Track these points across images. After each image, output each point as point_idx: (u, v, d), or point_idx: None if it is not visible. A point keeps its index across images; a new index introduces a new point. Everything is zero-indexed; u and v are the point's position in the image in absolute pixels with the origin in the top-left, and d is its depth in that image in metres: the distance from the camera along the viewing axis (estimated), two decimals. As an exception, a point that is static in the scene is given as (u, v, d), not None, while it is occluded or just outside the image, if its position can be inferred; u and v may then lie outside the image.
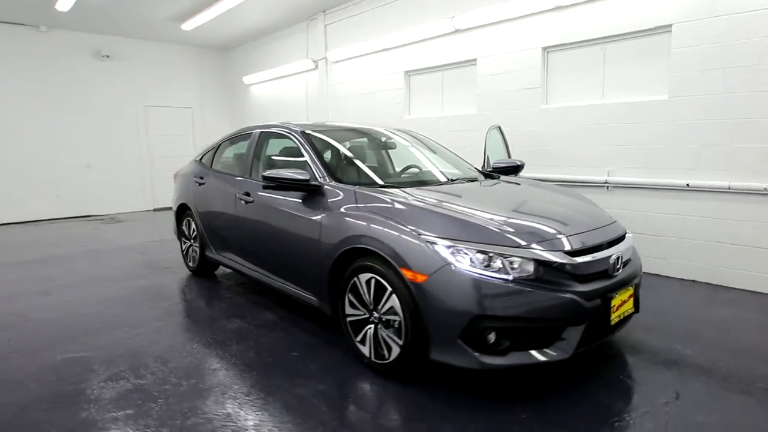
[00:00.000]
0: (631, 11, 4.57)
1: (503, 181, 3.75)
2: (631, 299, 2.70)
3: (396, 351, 2.59)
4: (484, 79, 5.87)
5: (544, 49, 5.27)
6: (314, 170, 3.29)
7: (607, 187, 4.87)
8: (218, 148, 4.72)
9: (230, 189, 4.06)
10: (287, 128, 3.80)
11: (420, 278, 2.39)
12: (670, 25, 4.34)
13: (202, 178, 4.62)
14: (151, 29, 8.98)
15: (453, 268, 2.33)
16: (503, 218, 2.61)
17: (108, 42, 9.32)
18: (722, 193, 4.15)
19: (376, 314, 2.69)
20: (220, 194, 4.22)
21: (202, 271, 4.81)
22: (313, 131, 3.72)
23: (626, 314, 2.67)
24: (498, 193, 3.33)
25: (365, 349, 2.79)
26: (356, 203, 2.89)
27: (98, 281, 4.74)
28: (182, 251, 5.10)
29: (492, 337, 2.31)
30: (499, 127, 5.26)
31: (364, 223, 2.72)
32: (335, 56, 7.88)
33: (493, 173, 4.03)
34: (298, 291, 3.35)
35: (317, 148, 3.49)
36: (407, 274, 2.44)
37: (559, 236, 2.52)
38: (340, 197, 3.03)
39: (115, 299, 4.18)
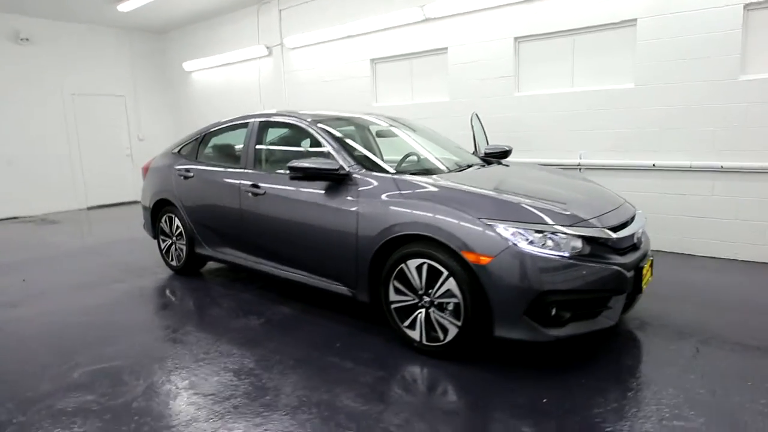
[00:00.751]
0: (599, 6, 4.94)
1: (508, 165, 3.93)
2: (651, 267, 3.01)
3: (453, 332, 2.67)
4: (456, 68, 6.04)
5: (516, 39, 5.53)
6: (340, 159, 3.24)
7: (580, 169, 5.27)
8: (203, 138, 4.45)
9: (230, 181, 3.86)
10: (298, 117, 3.70)
11: (484, 260, 2.49)
12: (635, 20, 4.76)
13: (187, 170, 4.33)
14: (77, 10, 8.10)
15: (516, 248, 2.45)
16: (541, 200, 2.76)
17: (27, 24, 8.27)
18: (684, 171, 4.68)
19: (427, 298, 2.75)
20: (217, 187, 4.00)
21: (189, 269, 4.55)
22: (325, 120, 3.65)
23: (649, 281, 2.98)
24: (520, 178, 3.45)
25: (414, 334, 2.84)
26: (399, 190, 2.91)
27: (71, 289, 4.29)
28: (161, 250, 4.76)
29: (554, 310, 2.47)
30: (476, 114, 5.47)
31: (416, 211, 2.75)
32: (293, 42, 7.64)
33: (491, 159, 4.19)
34: (326, 282, 3.31)
35: (337, 137, 3.44)
36: (470, 257, 2.52)
37: (597, 215, 2.73)
38: (374, 185, 3.03)
39: (102, 306, 3.83)
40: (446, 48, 6.09)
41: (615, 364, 2.69)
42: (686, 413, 2.19)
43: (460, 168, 3.58)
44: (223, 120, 4.42)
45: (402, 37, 6.46)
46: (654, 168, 4.81)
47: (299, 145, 3.79)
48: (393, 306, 2.92)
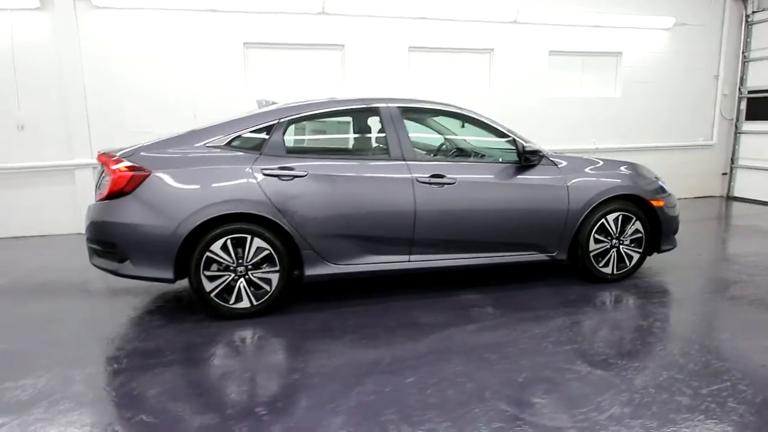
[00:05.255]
0: (467, 35, 6.66)
1: None
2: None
3: (635, 258, 3.93)
4: (353, 66, 6.36)
5: (409, 48, 6.52)
6: (526, 143, 3.69)
7: (462, 155, 6.92)
8: (285, 127, 3.38)
9: (397, 176, 3.39)
10: (448, 104, 3.79)
11: (660, 203, 3.89)
12: (493, 49, 6.79)
13: (286, 168, 3.25)
14: None
15: (669, 193, 3.98)
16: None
17: None
18: (523, 153, 7.14)
19: (616, 240, 3.85)
20: (367, 184, 3.38)
21: (274, 305, 3.35)
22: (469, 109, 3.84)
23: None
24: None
25: (607, 269, 3.88)
26: (593, 165, 3.81)
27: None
28: (206, 293, 3.19)
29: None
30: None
31: (620, 179, 3.79)
32: None
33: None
34: (520, 255, 3.73)
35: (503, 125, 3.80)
36: (655, 203, 3.85)
37: None
38: (567, 164, 3.78)
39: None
40: (343, 45, 6.29)
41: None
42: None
43: None
44: (309, 102, 3.58)
45: (290, 25, 6.08)
46: (509, 152, 7.07)
47: (456, 133, 3.77)
48: (592, 254, 3.82)
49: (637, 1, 7.08)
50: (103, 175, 3.30)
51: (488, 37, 6.76)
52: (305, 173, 3.29)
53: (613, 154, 7.27)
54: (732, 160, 7.89)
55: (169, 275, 3.18)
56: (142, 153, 3.24)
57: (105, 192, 3.18)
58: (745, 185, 7.78)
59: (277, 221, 3.22)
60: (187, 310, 3.46)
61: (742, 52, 7.53)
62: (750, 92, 7.57)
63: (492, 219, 3.60)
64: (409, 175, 3.44)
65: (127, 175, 3.12)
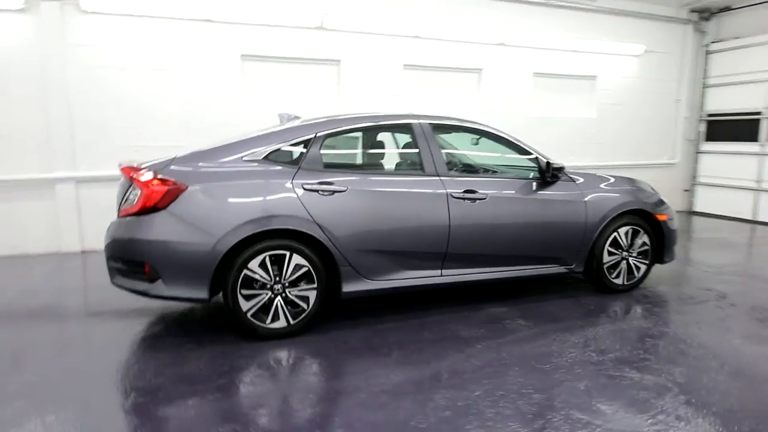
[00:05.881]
0: (458, 55, 6.88)
1: None
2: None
3: (642, 270, 4.16)
4: (348, 81, 6.39)
5: (404, 65, 6.63)
6: (547, 160, 3.85)
7: (453, 171, 7.07)
8: (323, 141, 3.35)
9: (433, 191, 3.44)
10: (478, 123, 3.90)
11: (664, 217, 4.14)
12: (481, 69, 7.03)
13: (327, 183, 3.21)
14: None
15: (667, 206, 4.25)
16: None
17: None
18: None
19: (625, 253, 4.07)
20: (404, 199, 3.40)
21: (309, 324, 3.27)
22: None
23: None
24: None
25: (618, 280, 4.08)
26: (606, 182, 4.02)
27: None
28: (242, 313, 3.07)
29: (674, 239, 4.46)
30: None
31: (631, 195, 4.01)
32: (98, 5, 5.23)
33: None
34: (542, 268, 3.85)
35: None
36: (660, 217, 4.10)
37: None
38: (584, 180, 3.96)
39: None
40: (339, 60, 6.31)
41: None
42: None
43: None
44: (343, 117, 3.60)
45: (288, 39, 6.03)
46: (496, 168, 7.30)
47: (483, 149, 3.91)
48: (605, 265, 4.01)
49: (612, 28, 7.59)
50: (130, 189, 3.13)
51: (477, 57, 7.00)
52: (345, 188, 3.27)
53: (591, 171, 7.68)
54: (693, 177, 8.55)
55: (204, 294, 3.05)
56: (173, 167, 3.10)
57: (135, 207, 3.01)
58: (704, 201, 8.42)
59: (318, 237, 3.17)
60: (214, 332, 3.31)
61: (702, 79, 8.24)
62: (708, 115, 8.27)
63: (521, 233, 3.71)
64: (443, 191, 3.49)
65: (161, 190, 2.97)
